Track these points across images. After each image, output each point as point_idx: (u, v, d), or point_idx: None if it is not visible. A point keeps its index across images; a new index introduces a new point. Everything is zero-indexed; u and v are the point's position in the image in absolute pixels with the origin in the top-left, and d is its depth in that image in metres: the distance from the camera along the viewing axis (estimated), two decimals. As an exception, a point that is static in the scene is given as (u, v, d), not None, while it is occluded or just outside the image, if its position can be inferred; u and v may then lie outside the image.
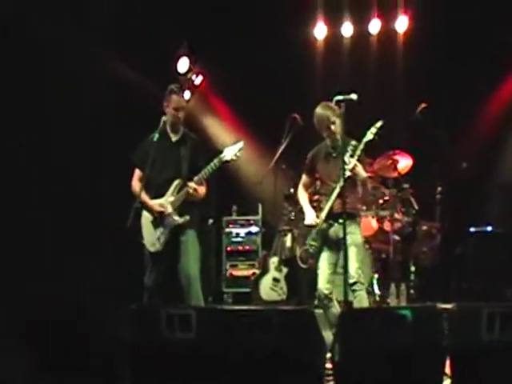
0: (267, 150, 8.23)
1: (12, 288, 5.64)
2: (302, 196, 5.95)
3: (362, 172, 5.52)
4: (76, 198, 6.61)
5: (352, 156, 5.45)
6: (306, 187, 5.99)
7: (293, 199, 7.94)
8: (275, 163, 7.74)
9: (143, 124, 5.70)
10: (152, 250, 5.51)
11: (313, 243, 5.64)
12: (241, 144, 5.45)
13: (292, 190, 8.00)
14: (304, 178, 5.96)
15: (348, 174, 5.37)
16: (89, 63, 6.85)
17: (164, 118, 5.54)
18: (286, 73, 8.62)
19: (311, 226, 5.66)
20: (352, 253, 5.42)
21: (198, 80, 9.24)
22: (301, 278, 7.53)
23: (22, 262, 6.03)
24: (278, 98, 8.57)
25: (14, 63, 6.26)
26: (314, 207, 5.90)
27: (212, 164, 5.41)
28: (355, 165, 5.41)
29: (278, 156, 7.69)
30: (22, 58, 6.29)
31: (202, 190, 5.51)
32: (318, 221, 5.64)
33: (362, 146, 5.49)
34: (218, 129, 9.18)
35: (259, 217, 8.68)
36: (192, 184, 5.41)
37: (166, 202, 5.52)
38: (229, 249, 8.69)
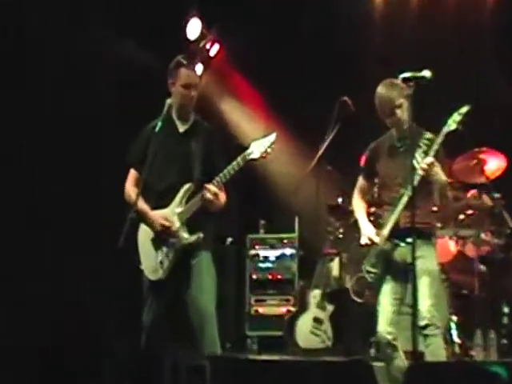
0: (307, 145, 8.26)
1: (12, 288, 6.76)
2: (358, 205, 5.94)
3: (440, 174, 5.49)
4: (76, 198, 7.46)
5: (426, 152, 5.41)
6: (364, 193, 5.98)
7: (341, 211, 7.97)
8: (317, 163, 7.73)
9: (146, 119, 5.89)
10: (152, 277, 5.51)
11: (371, 270, 5.61)
12: (272, 137, 5.42)
13: (340, 200, 8.00)
14: (361, 180, 5.95)
15: (420, 174, 5.34)
16: (90, 59, 7.71)
17: (169, 101, 5.55)
18: (333, 41, 8.66)
19: (369, 246, 5.64)
20: (424, 285, 5.38)
21: (213, 50, 9.30)
22: (352, 318, 7.53)
23: (22, 262, 6.96)
24: (321, 76, 8.59)
25: (14, 63, 7.14)
26: (371, 222, 5.88)
27: (234, 163, 5.38)
28: (431, 164, 5.37)
29: (322, 153, 7.68)
30: (22, 58, 7.22)
31: (222, 196, 5.49)
32: (378, 239, 5.61)
33: (440, 139, 5.45)
34: (240, 116, 9.25)
35: (295, 235, 8.71)
36: (211, 187, 5.38)
37: (171, 214, 5.51)
38: (254, 277, 8.76)
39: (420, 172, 5.34)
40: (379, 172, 5.79)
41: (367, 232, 5.70)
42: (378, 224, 5.77)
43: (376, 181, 5.90)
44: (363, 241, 5.70)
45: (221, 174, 5.39)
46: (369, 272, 5.62)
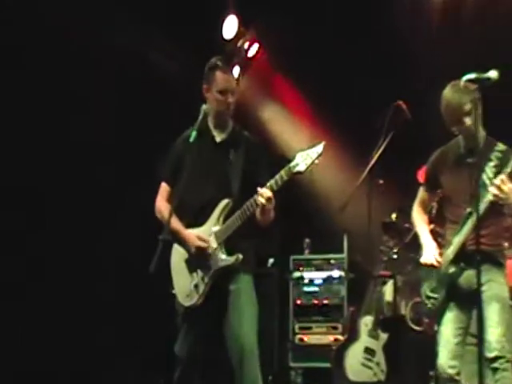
0: (357, 156, 8.22)
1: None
2: (420, 220, 5.85)
3: None
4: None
5: (498, 168, 5.35)
6: (425, 207, 5.90)
7: (396, 229, 7.90)
8: (369, 175, 7.64)
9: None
10: (187, 303, 5.51)
11: (432, 295, 5.53)
12: (320, 147, 5.29)
13: (394, 216, 7.91)
14: (422, 193, 5.89)
15: (492, 192, 5.26)
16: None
17: (204, 108, 5.54)
18: (388, 40, 8.58)
19: (431, 267, 5.55)
20: (493, 312, 5.31)
21: (251, 50, 9.32)
22: (408, 349, 7.50)
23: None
24: (374, 78, 8.55)
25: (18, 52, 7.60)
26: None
27: (277, 177, 5.29)
28: (502, 182, 5.27)
29: (373, 164, 7.59)
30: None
31: (272, 205, 5.35)
32: (440, 260, 5.53)
33: None
34: (282, 124, 9.28)
35: (344, 255, 8.71)
36: (266, 190, 5.26)
37: (207, 233, 5.50)
38: (298, 303, 8.75)
39: (492, 190, 5.26)
40: (443, 185, 5.69)
41: (430, 251, 5.61)
42: (438, 244, 5.68)
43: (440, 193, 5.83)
44: (424, 259, 5.60)
45: (267, 185, 5.29)
46: (429, 297, 5.54)
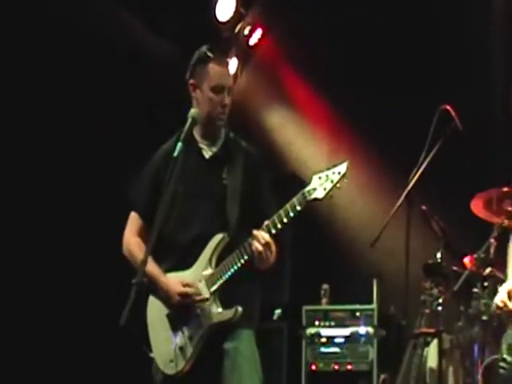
0: (391, 176, 8.29)
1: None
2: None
3: None
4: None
5: None
6: None
7: (441, 273, 7.84)
8: (406, 201, 7.62)
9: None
10: (169, 371, 5.50)
11: (506, 356, 5.48)
12: (343, 167, 5.30)
13: (439, 256, 7.87)
14: None
15: None
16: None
17: (193, 112, 5.56)
18: (432, 26, 8.66)
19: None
20: None
21: (254, 38, 9.43)
22: None
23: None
24: (413, 76, 8.62)
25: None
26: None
27: (288, 206, 5.29)
28: None
29: (413, 187, 7.57)
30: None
31: (274, 248, 5.41)
32: None
33: None
34: (294, 134, 9.32)
35: (373, 306, 8.75)
36: (262, 234, 5.30)
37: (196, 279, 5.50)
38: (314, 368, 8.74)
39: None
40: None
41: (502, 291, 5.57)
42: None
43: None
44: (499, 299, 5.55)
45: (271, 220, 5.30)
46: (505, 361, 5.49)
